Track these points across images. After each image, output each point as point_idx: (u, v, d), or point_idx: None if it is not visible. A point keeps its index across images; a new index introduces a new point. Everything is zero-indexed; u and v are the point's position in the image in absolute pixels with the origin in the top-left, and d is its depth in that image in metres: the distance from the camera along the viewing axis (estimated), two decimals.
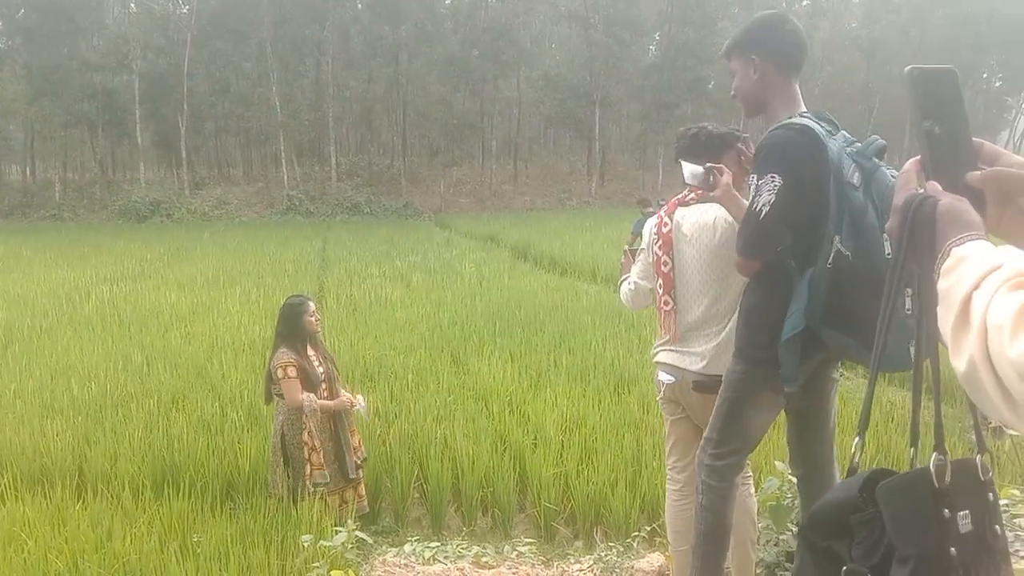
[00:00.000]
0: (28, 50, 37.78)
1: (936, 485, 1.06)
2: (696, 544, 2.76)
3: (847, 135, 2.35)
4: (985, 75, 50.70)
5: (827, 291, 2.22)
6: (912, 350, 1.73)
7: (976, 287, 0.87)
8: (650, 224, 3.17)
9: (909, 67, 1.10)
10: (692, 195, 3.03)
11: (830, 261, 2.19)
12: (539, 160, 51.12)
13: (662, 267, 3.05)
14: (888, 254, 1.96)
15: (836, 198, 2.17)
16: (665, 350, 3.11)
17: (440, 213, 37.61)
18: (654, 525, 4.64)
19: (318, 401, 4.64)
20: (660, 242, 3.06)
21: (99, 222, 34.98)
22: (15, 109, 37.41)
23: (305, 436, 4.63)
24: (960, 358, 0.87)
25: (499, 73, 42.80)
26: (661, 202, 13.49)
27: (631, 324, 9.95)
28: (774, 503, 3.51)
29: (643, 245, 3.24)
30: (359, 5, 42.34)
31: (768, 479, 3.62)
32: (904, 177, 1.11)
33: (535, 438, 5.95)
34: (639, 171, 46.79)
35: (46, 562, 3.94)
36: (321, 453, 4.67)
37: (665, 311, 3.07)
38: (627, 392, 7.09)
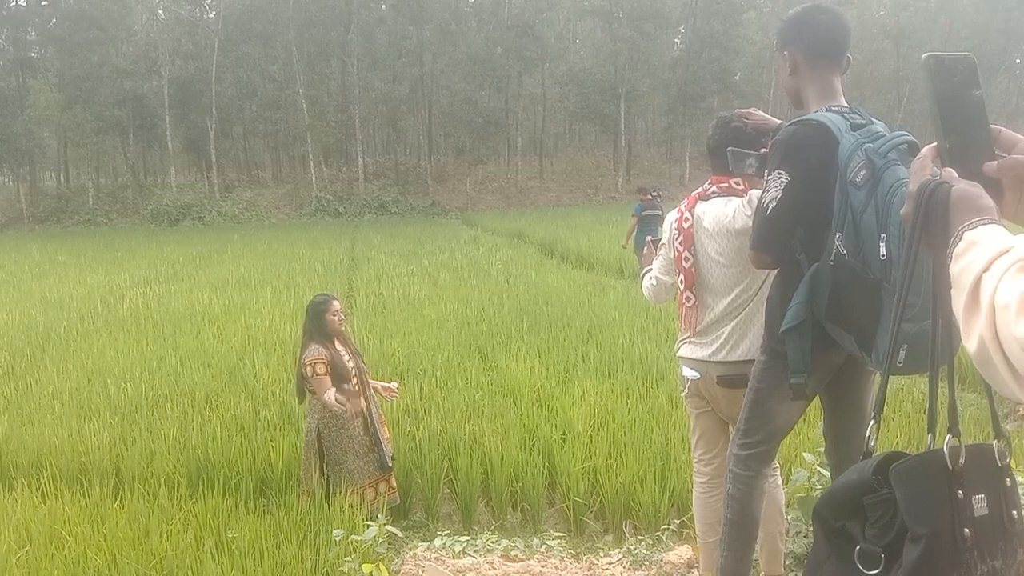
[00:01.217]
0: (60, 58, 38.51)
1: (950, 467, 1.07)
2: (723, 533, 2.77)
3: (879, 129, 2.29)
4: (1018, 60, 49.67)
5: (830, 286, 2.23)
6: (903, 354, 1.74)
7: (986, 269, 0.89)
8: (670, 219, 3.16)
9: (926, 54, 1.10)
10: (714, 188, 3.02)
11: (832, 258, 2.19)
12: (565, 156, 51.03)
13: (683, 263, 3.04)
14: (883, 256, 1.95)
15: (839, 196, 2.17)
16: (687, 343, 3.11)
17: (467, 211, 37.71)
18: (683, 518, 4.64)
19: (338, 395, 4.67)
20: (681, 238, 3.04)
21: (132, 226, 35.55)
22: (48, 117, 38.14)
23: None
24: (971, 338, 0.88)
25: (523, 70, 42.81)
26: (654, 194, 13.74)
27: (658, 319, 9.91)
28: (803, 495, 3.50)
29: (663, 240, 3.23)
30: (383, 6, 42.56)
31: (797, 471, 3.61)
32: (919, 163, 1.11)
33: (563, 433, 5.96)
34: (666, 164, 46.53)
35: (85, 559, 4.04)
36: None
37: (687, 307, 3.06)
38: (655, 386, 7.07)
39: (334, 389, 4.64)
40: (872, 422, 1.21)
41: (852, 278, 2.14)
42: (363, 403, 4.86)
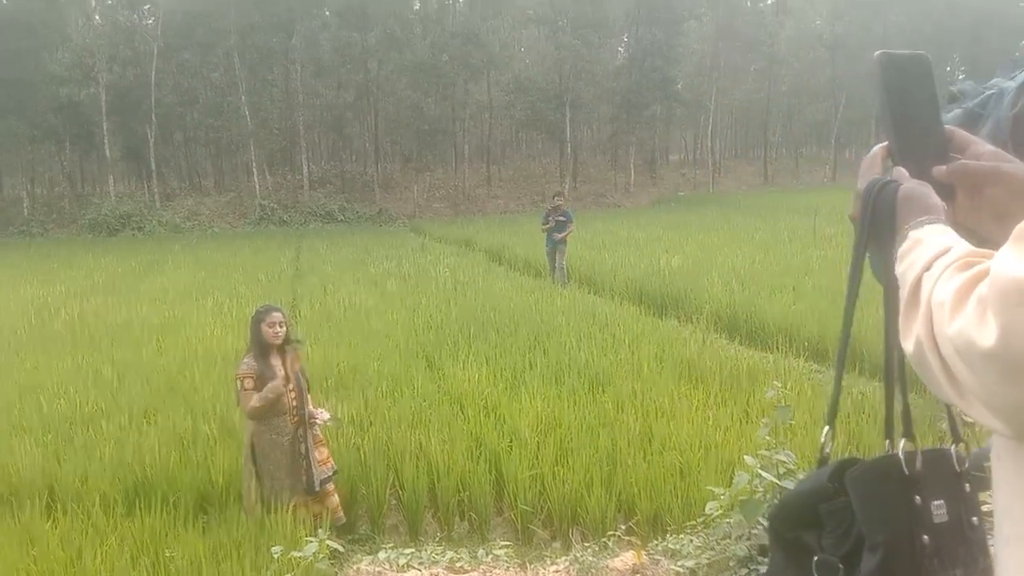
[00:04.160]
0: None
1: (906, 472, 1.04)
2: None
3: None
4: (948, 68, 51.47)
5: None
6: None
7: (927, 268, 0.88)
8: None
9: (879, 52, 1.08)
10: None
11: None
12: (512, 163, 51.12)
13: None
14: None
15: None
16: None
17: (414, 219, 37.51)
18: (629, 523, 4.67)
19: (259, 394, 4.59)
20: None
21: (69, 237, 34.49)
22: None
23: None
24: (908, 339, 0.87)
25: (469, 77, 42.75)
26: (557, 199, 15.00)
27: (604, 324, 9.99)
28: (745, 497, 3.54)
29: None
30: (327, 12, 42.12)
31: (738, 473, 3.66)
32: (868, 162, 1.10)
33: (511, 440, 5.96)
34: (611, 172, 46.96)
35: None
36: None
37: None
38: (601, 391, 7.12)
39: (258, 394, 4.57)
40: (827, 428, 1.17)
41: None
42: (292, 421, 4.75)
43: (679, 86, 47.28)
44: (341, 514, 4.96)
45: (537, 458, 5.63)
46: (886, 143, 1.09)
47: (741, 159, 59.83)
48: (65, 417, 6.79)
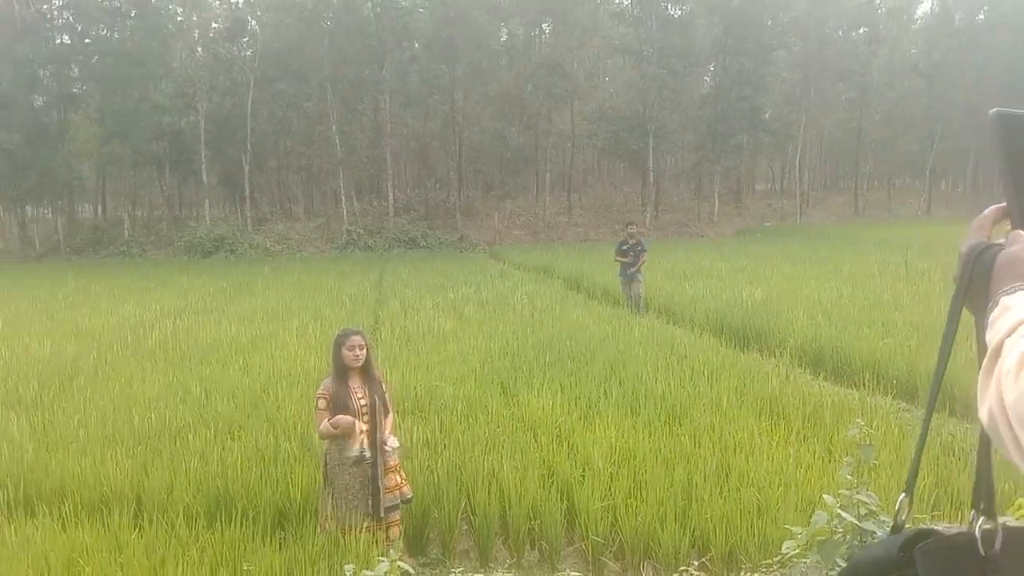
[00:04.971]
0: (101, 94, 39.54)
1: (982, 552, 0.97)
2: None
3: None
4: None
5: None
6: None
7: (1009, 334, 0.83)
8: None
9: (994, 110, 1.02)
10: None
11: None
12: (593, 192, 51.15)
13: None
14: None
15: None
16: None
17: (494, 245, 37.87)
18: (703, 559, 4.55)
19: (327, 422, 4.65)
20: None
21: (165, 258, 36.16)
22: (88, 150, 39.19)
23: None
24: (983, 407, 0.82)
25: (553, 107, 43.13)
26: (631, 228, 14.77)
27: (683, 355, 9.82)
28: (823, 537, 3.41)
29: None
30: (416, 45, 43.27)
31: (817, 513, 3.52)
32: (978, 222, 1.03)
33: (583, 470, 5.89)
34: (695, 201, 46.45)
35: None
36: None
37: None
38: (678, 424, 6.98)
39: (327, 421, 4.63)
40: (903, 495, 1.11)
41: None
42: (364, 444, 4.77)
43: (767, 115, 46.55)
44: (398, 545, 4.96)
45: (610, 489, 5.55)
46: (1002, 204, 1.03)
47: (831, 189, 58.38)
48: (154, 431, 7.07)
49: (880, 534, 3.30)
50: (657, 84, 41.37)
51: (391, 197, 42.13)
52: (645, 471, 5.83)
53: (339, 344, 4.81)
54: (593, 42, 48.08)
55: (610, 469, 5.90)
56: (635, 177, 49.05)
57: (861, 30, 52.39)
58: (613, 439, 6.49)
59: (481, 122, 43.47)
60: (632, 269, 14.52)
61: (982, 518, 1.00)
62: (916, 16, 60.00)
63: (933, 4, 55.38)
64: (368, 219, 41.73)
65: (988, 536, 0.97)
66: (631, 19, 45.19)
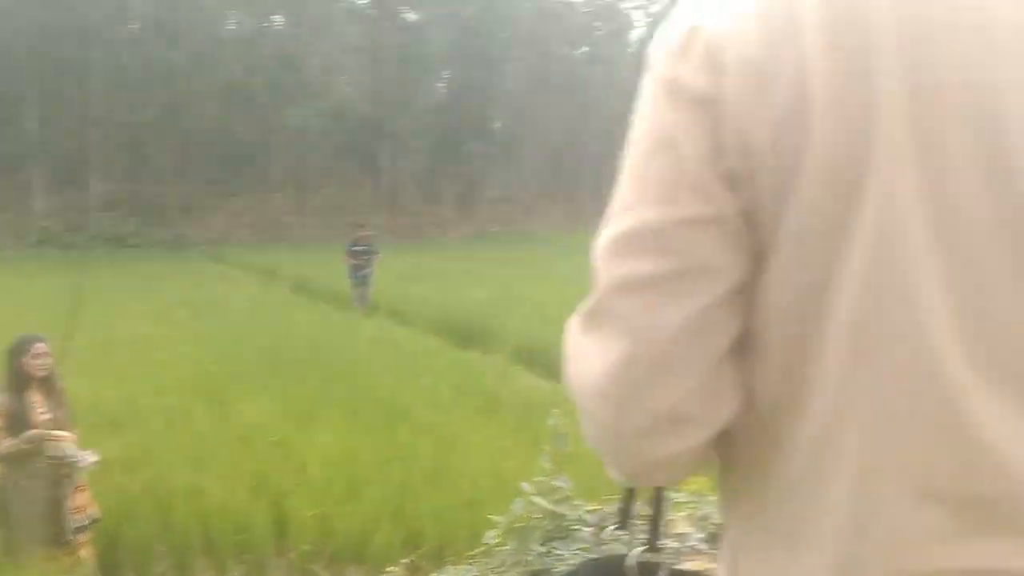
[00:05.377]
0: None
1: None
2: None
3: None
4: None
5: None
6: None
7: None
8: None
9: None
10: None
11: None
12: (326, 192, 50.16)
13: None
14: None
15: None
16: None
17: (216, 245, 35.71)
18: (412, 558, 4.57)
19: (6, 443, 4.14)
20: None
21: None
22: None
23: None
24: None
25: (286, 102, 41.66)
26: (362, 230, 15.44)
27: (408, 354, 9.92)
28: (521, 524, 3.55)
29: None
30: (131, 26, 39.68)
31: (515, 501, 3.67)
32: None
33: (298, 478, 5.72)
34: (429, 205, 47.27)
35: None
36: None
37: None
38: (398, 424, 7.02)
39: (7, 442, 4.10)
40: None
41: None
42: (51, 465, 4.28)
43: (498, 125, 48.57)
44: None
45: (325, 495, 5.43)
46: None
47: (549, 199, 62.09)
48: None
49: (571, 516, 3.51)
50: (392, 87, 41.58)
51: (96, 190, 38.20)
52: (363, 473, 5.78)
53: (18, 353, 4.30)
54: (328, 38, 47.22)
55: (327, 474, 5.78)
56: (369, 178, 48.88)
57: (583, 49, 56.40)
58: (331, 443, 6.37)
59: (204, 113, 40.87)
60: (362, 272, 14.42)
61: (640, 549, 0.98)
62: (631, 40, 65.48)
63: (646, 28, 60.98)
64: (69, 214, 37.46)
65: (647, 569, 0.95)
66: (369, 19, 45.03)
